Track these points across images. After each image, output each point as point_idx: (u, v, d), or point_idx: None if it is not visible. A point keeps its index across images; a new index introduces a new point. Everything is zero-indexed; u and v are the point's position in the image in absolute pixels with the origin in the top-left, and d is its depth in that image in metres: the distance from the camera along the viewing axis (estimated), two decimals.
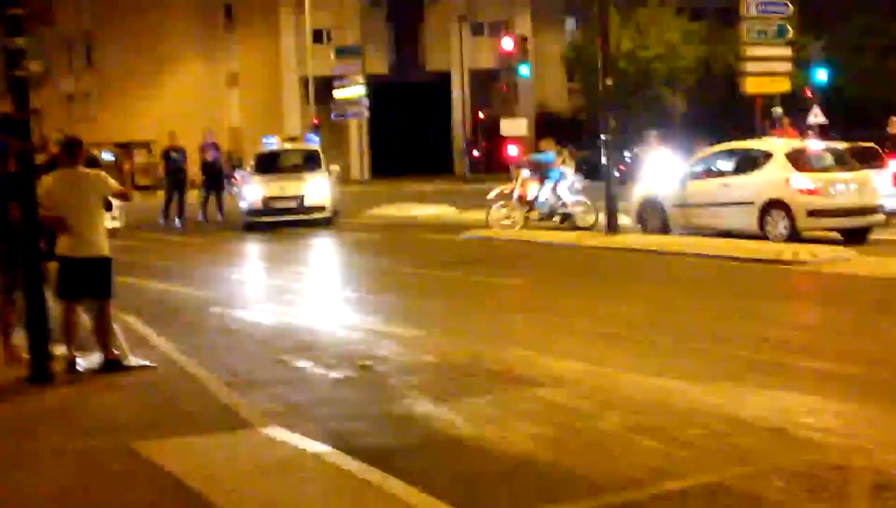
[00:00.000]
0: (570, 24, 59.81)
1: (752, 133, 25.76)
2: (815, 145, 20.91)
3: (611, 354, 10.35)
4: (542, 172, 23.71)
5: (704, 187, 19.89)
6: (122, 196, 10.73)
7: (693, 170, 20.49)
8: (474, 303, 14.24)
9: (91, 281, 9.84)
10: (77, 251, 9.78)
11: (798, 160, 18.69)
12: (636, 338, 11.18)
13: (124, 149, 49.42)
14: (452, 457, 7.25)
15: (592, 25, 48.63)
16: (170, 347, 10.96)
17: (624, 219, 21.18)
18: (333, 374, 9.94)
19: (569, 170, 23.98)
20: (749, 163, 19.44)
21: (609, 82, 20.75)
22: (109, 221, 20.16)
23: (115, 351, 9.94)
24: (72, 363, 9.76)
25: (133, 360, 10.02)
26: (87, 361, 9.92)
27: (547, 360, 10.08)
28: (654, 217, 20.75)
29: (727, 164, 20.03)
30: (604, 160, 20.81)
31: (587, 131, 46.72)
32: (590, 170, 43.80)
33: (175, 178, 28.46)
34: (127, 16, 59.79)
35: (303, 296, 15.69)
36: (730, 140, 22.06)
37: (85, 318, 10.37)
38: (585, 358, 10.12)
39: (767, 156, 19.10)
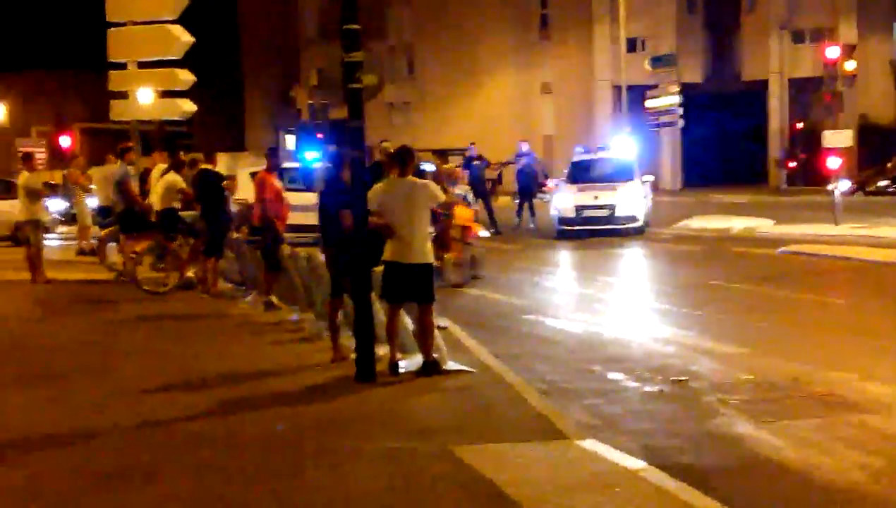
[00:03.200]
0: None
1: None
2: None
3: None
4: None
5: None
6: (446, 206, 11.03)
7: None
8: (793, 322, 13.70)
9: (414, 285, 10.17)
10: (402, 257, 10.13)
11: None
12: None
13: (441, 155, 50.88)
14: (775, 483, 7.00)
15: None
16: (485, 353, 11.17)
17: None
18: (647, 388, 9.84)
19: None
20: None
21: None
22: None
23: (435, 355, 10.22)
24: (394, 364, 10.12)
25: (452, 364, 10.28)
26: (408, 363, 10.27)
27: (874, 386, 9.57)
28: None
29: None
30: None
31: None
32: None
33: (476, 188, 28.92)
34: (446, 28, 61.68)
35: (614, 307, 15.62)
36: None
37: (407, 321, 10.73)
38: None
39: None
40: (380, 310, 10.54)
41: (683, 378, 10.09)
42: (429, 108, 63.44)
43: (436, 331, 10.40)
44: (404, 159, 10.29)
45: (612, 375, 10.41)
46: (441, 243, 17.02)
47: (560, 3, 59.91)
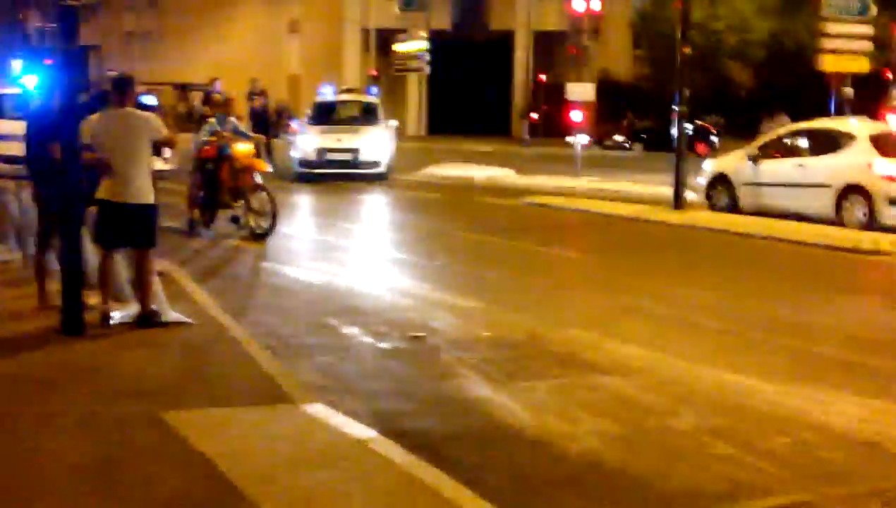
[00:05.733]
0: None
1: (821, 113, 24.69)
2: None
3: (681, 342, 9.61)
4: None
5: (778, 167, 18.95)
6: (168, 143, 10.15)
7: (765, 148, 19.55)
8: (533, 276, 13.52)
9: (132, 228, 9.25)
10: (119, 196, 9.18)
11: (883, 144, 17.65)
12: (707, 327, 10.41)
13: (181, 90, 48.97)
14: (510, 452, 6.57)
15: None
16: (212, 303, 10.38)
17: (690, 195, 20.34)
18: (382, 344, 9.32)
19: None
20: (828, 144, 18.40)
21: (687, 51, 19.81)
22: (161, 163, 19.56)
23: (153, 305, 9.34)
24: (106, 315, 9.18)
25: (171, 316, 9.41)
26: (122, 313, 9.35)
27: (612, 344, 9.38)
28: (723, 194, 19.87)
29: (804, 144, 19.03)
30: (675, 132, 19.96)
31: (651, 100, 45.63)
32: (652, 139, 42.98)
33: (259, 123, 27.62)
34: None
35: (353, 256, 15.07)
36: (800, 119, 21.08)
37: (123, 267, 9.79)
38: (653, 344, 9.40)
39: (849, 138, 18.07)
40: (93, 254, 9.55)
41: (421, 334, 9.62)
42: (171, 40, 60.98)
43: (155, 279, 9.51)
44: (122, 88, 9.28)
45: (347, 330, 9.83)
46: (231, 190, 15.43)
47: None
